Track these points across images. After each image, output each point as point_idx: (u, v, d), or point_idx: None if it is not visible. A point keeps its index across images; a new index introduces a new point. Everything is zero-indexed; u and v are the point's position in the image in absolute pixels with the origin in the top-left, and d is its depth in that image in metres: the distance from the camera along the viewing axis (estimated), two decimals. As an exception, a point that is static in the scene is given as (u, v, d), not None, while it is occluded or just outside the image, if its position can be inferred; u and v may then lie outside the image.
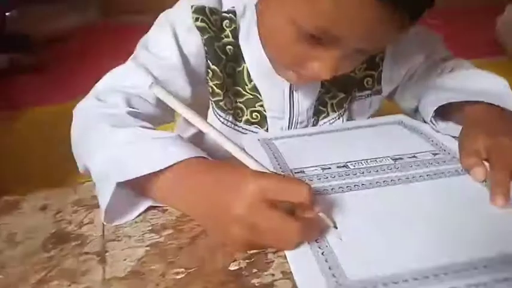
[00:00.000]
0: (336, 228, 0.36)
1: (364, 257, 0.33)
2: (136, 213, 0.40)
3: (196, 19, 0.51)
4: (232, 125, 0.58)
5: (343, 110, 0.61)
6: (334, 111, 0.60)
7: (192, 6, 0.51)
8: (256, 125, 0.59)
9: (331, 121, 0.60)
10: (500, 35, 2.09)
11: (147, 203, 0.40)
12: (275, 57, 0.51)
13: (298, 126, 0.59)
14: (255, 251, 0.35)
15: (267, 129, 0.59)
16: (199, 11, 0.51)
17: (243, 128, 0.59)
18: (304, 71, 0.47)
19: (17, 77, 1.94)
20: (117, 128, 0.41)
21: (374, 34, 0.41)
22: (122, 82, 0.49)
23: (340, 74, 0.57)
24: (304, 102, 0.57)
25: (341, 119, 0.61)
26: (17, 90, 1.86)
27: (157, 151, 0.38)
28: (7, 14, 2.74)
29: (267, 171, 0.36)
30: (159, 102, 0.49)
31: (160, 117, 0.50)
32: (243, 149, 0.38)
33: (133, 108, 0.47)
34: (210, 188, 0.36)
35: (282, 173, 0.44)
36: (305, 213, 0.35)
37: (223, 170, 0.37)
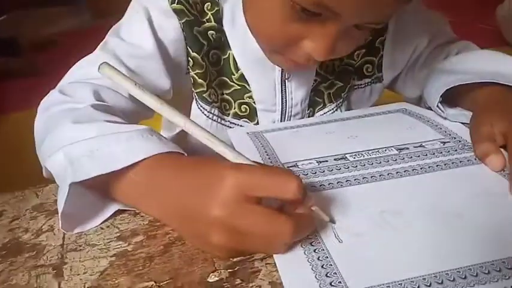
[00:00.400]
0: (334, 223, 0.31)
1: (367, 262, 0.29)
2: (102, 219, 0.35)
3: (173, 1, 0.46)
4: (219, 119, 0.53)
5: (341, 100, 0.55)
6: (331, 101, 0.55)
7: None
8: (245, 119, 0.53)
9: (328, 113, 0.55)
10: (501, 24, 2.05)
11: (114, 208, 0.35)
12: (263, 40, 0.45)
13: (292, 119, 0.54)
14: (239, 258, 0.30)
15: (257, 123, 0.53)
16: None
17: (230, 123, 0.53)
18: (296, 53, 0.42)
19: (5, 81, 1.90)
20: (79, 124, 0.36)
21: (373, 5, 0.36)
22: (89, 74, 0.43)
23: (337, 59, 0.52)
24: (297, 93, 0.52)
25: (339, 110, 0.56)
26: (5, 94, 1.82)
27: (120, 147, 0.33)
28: (-3, 19, 2.72)
29: (249, 163, 0.31)
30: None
31: (136, 111, 0.44)
32: (215, 136, 0.32)
33: (103, 101, 0.41)
34: (183, 188, 0.31)
35: (270, 164, 0.39)
36: (296, 209, 0.30)
37: (198, 165, 0.31)
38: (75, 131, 0.35)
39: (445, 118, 0.47)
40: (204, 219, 0.28)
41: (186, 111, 0.53)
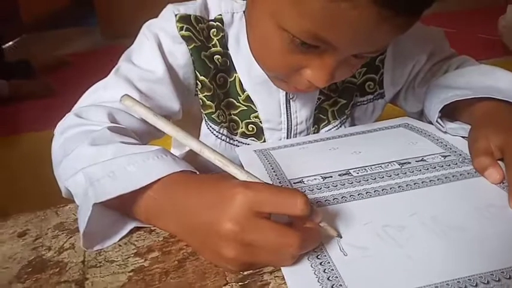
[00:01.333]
0: (341, 237, 0.33)
1: (371, 274, 0.30)
2: (119, 236, 0.36)
3: (181, 28, 0.48)
4: (227, 139, 0.55)
5: (345, 117, 0.57)
6: (335, 118, 0.57)
7: (176, 15, 0.49)
8: (252, 138, 0.55)
9: (332, 129, 0.57)
10: (503, 34, 2.06)
11: (131, 225, 0.37)
12: (267, 69, 0.47)
13: (297, 136, 0.56)
14: (249, 271, 0.31)
15: (264, 141, 0.55)
16: (184, 19, 0.49)
17: (238, 142, 0.55)
18: (298, 80, 0.44)
19: (19, 103, 1.95)
20: (96, 146, 0.38)
21: (370, 38, 0.37)
22: (103, 97, 0.46)
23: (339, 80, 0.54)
24: (302, 112, 0.54)
25: (343, 126, 0.57)
26: (21, 115, 1.87)
27: (137, 168, 0.35)
28: (10, 43, 2.80)
29: (257, 181, 0.33)
30: None
31: (149, 131, 0.47)
32: (227, 158, 0.34)
33: (117, 123, 0.43)
34: (196, 204, 0.33)
35: (279, 184, 0.41)
36: (304, 223, 0.32)
37: (209, 183, 0.34)
38: (93, 153, 0.37)
39: (445, 132, 0.48)
40: (216, 234, 0.30)
41: (196, 130, 0.55)
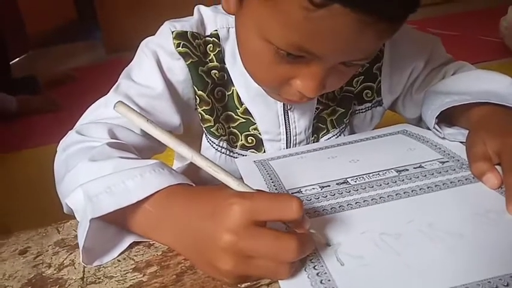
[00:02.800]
0: (329, 245, 0.33)
1: (368, 284, 0.30)
2: (119, 251, 0.37)
3: (178, 45, 0.49)
4: (227, 152, 0.55)
5: (343, 125, 0.57)
6: (334, 127, 0.57)
7: (173, 32, 0.49)
8: (252, 150, 0.56)
9: (332, 138, 0.57)
10: (505, 36, 2.05)
11: (129, 240, 0.37)
12: (258, 82, 0.48)
13: (297, 146, 0.56)
14: (246, 284, 0.31)
15: (264, 151, 0.55)
16: (181, 36, 0.49)
17: (238, 154, 0.56)
18: (289, 92, 0.44)
19: (25, 119, 1.97)
20: (96, 161, 0.38)
21: (354, 45, 0.37)
22: (104, 114, 0.47)
23: (337, 89, 0.54)
24: (301, 122, 0.54)
25: (342, 135, 0.57)
26: (26, 130, 1.89)
27: (134, 182, 0.35)
28: (17, 59, 2.84)
29: (251, 191, 0.33)
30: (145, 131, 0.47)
31: (149, 146, 0.47)
32: (218, 165, 0.34)
33: (117, 139, 0.44)
34: (192, 216, 0.33)
35: (275, 191, 0.41)
36: (298, 229, 0.32)
37: (205, 194, 0.34)
38: (92, 169, 0.38)
39: (443, 138, 0.48)
40: (212, 245, 0.30)
41: (197, 145, 0.55)
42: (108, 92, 0.49)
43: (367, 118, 0.59)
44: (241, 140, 0.55)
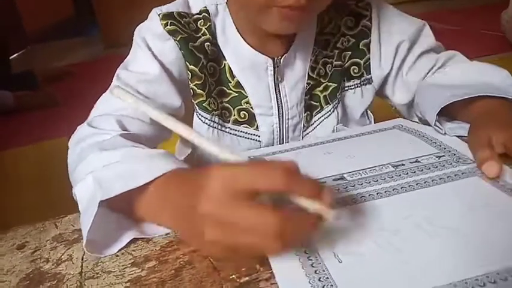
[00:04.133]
0: (339, 219, 0.31)
1: (366, 281, 0.30)
2: (118, 247, 0.37)
3: (166, 24, 0.51)
4: (220, 126, 0.56)
5: (336, 101, 0.57)
6: (328, 103, 0.57)
7: (159, 14, 0.52)
8: (245, 125, 0.56)
9: (325, 115, 0.57)
10: (506, 30, 2.05)
11: (129, 236, 0.37)
12: (253, 3, 0.46)
13: (289, 122, 0.56)
14: (244, 279, 0.31)
15: (257, 127, 0.56)
16: (167, 16, 0.51)
17: (231, 129, 0.56)
18: None
19: (23, 115, 1.97)
20: (106, 150, 0.40)
21: None
22: (110, 106, 0.48)
23: (328, 62, 0.55)
24: (292, 95, 0.55)
25: (335, 111, 0.57)
26: (25, 126, 1.89)
27: (143, 165, 0.37)
28: (15, 55, 2.83)
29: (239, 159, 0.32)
30: (153, 119, 0.47)
31: (157, 134, 0.50)
32: (214, 141, 0.36)
33: (126, 130, 0.46)
34: (183, 193, 0.34)
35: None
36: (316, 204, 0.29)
37: (196, 173, 0.34)
38: (103, 157, 0.39)
39: (445, 134, 0.48)
40: (196, 217, 0.29)
41: (188, 122, 0.56)
42: (108, 86, 0.50)
43: (357, 95, 0.59)
44: (234, 115, 0.56)
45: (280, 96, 0.55)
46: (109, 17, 2.87)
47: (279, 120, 0.56)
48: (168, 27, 0.51)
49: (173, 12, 0.52)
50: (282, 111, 0.56)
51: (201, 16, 0.53)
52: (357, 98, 0.59)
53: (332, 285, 0.29)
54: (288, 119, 0.56)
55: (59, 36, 3.32)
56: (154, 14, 0.52)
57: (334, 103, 0.57)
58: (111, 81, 0.51)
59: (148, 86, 0.50)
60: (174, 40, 0.51)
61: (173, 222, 0.36)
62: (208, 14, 0.53)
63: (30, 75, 2.20)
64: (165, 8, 0.52)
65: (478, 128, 0.44)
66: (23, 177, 1.48)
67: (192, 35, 0.52)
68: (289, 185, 0.28)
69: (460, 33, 2.17)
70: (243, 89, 0.54)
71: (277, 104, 0.55)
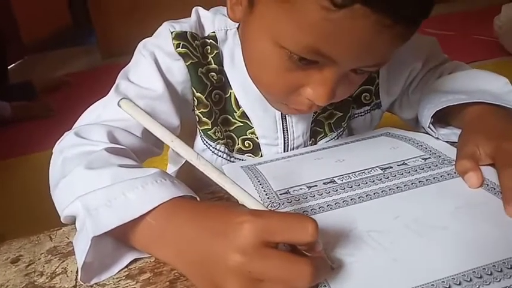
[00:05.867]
0: (333, 269, 0.31)
1: (358, 281, 0.30)
2: (118, 268, 0.35)
3: (178, 45, 0.48)
4: (225, 155, 0.54)
5: (341, 129, 0.57)
6: (332, 131, 0.56)
7: (172, 33, 0.49)
8: (249, 154, 0.55)
9: (329, 141, 0.56)
10: (499, 35, 2.06)
11: (130, 257, 0.36)
12: (265, 90, 0.46)
13: (294, 150, 0.55)
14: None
15: (261, 156, 0.55)
16: (180, 36, 0.49)
17: (235, 158, 0.55)
18: (298, 101, 0.43)
19: (20, 125, 1.97)
20: (93, 169, 0.37)
21: (370, 49, 0.36)
22: (103, 116, 0.46)
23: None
24: (298, 126, 0.54)
25: (340, 138, 0.57)
26: (21, 137, 1.89)
27: (136, 194, 0.34)
28: (12, 65, 2.84)
29: (264, 209, 0.31)
30: (146, 134, 0.46)
31: (148, 149, 0.47)
32: (235, 182, 0.32)
33: (116, 142, 0.43)
34: (198, 233, 0.31)
35: (265, 196, 0.41)
36: (309, 252, 0.30)
37: (215, 210, 0.32)
38: (89, 177, 0.37)
39: (437, 138, 0.49)
40: (220, 265, 0.28)
41: (189, 145, 0.55)
42: (104, 96, 0.49)
43: (367, 121, 0.58)
44: (238, 144, 0.54)
45: (286, 127, 0.53)
46: (107, 27, 2.88)
47: (284, 150, 0.54)
48: (180, 49, 0.48)
49: (186, 33, 0.49)
50: (288, 141, 0.54)
51: (208, 42, 0.51)
52: (366, 123, 0.59)
53: (325, 286, 0.30)
54: (293, 147, 0.55)
55: (56, 46, 3.33)
56: (166, 31, 0.49)
57: (339, 131, 0.57)
58: (109, 91, 0.49)
59: (150, 103, 0.47)
60: (185, 63, 0.48)
61: (181, 260, 0.33)
62: (216, 40, 0.51)
63: (28, 86, 2.21)
64: (179, 27, 0.49)
65: (467, 135, 0.44)
66: (19, 187, 1.48)
67: (200, 59, 0.50)
68: (315, 238, 0.28)
69: (453, 38, 2.17)
70: (249, 120, 0.53)
71: (283, 135, 0.53)
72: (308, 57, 0.38)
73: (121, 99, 0.36)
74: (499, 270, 0.29)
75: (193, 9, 0.53)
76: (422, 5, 0.35)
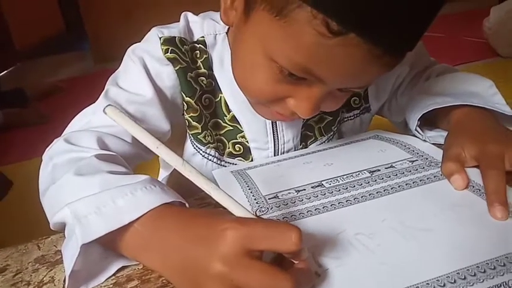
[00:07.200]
0: (319, 275, 0.31)
1: (346, 284, 0.30)
2: (106, 276, 0.35)
3: (166, 50, 0.48)
4: (215, 159, 0.54)
5: (331, 133, 0.57)
6: (322, 135, 0.57)
7: (160, 38, 0.49)
8: (239, 158, 0.55)
9: (320, 145, 0.57)
10: (489, 37, 2.09)
11: (117, 265, 0.36)
12: (250, 95, 0.47)
13: (284, 154, 0.55)
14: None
15: (252, 160, 0.55)
16: (169, 42, 0.49)
17: (226, 162, 0.55)
18: (282, 107, 0.43)
19: (11, 132, 1.96)
20: (83, 176, 0.37)
21: (358, 74, 0.38)
22: (93, 122, 0.46)
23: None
24: (288, 131, 0.54)
25: (330, 141, 0.57)
26: (13, 144, 1.88)
27: (125, 201, 0.33)
28: (5, 71, 2.83)
29: (250, 216, 0.31)
30: (136, 140, 0.43)
31: (138, 155, 0.47)
32: (221, 188, 0.32)
33: (106, 148, 0.43)
34: (183, 240, 0.31)
35: (254, 200, 0.41)
36: (295, 261, 0.30)
37: (200, 217, 0.32)
38: (79, 184, 0.37)
39: (425, 141, 0.49)
40: (203, 273, 0.28)
41: (179, 149, 0.55)
42: (95, 102, 0.49)
43: (357, 124, 0.59)
44: (229, 148, 0.54)
45: (276, 131, 0.54)
46: (99, 32, 2.87)
47: (274, 154, 0.55)
48: (168, 54, 0.48)
49: (175, 38, 0.49)
50: (278, 145, 0.54)
51: (197, 46, 0.51)
52: (356, 127, 0.59)
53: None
54: (284, 151, 0.55)
55: (49, 52, 3.31)
56: (155, 36, 0.49)
57: (329, 135, 0.57)
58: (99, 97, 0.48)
59: (139, 108, 0.47)
60: (173, 68, 0.49)
61: (166, 267, 0.33)
62: (205, 45, 0.51)
63: (20, 93, 2.19)
64: (167, 32, 0.49)
65: (453, 137, 0.45)
66: (10, 195, 1.47)
67: (189, 64, 0.50)
68: (299, 247, 0.28)
69: (443, 40, 2.19)
70: (239, 124, 0.53)
71: (274, 139, 0.54)
72: (298, 74, 0.38)
73: (106, 106, 0.36)
74: (483, 271, 0.30)
75: (182, 14, 0.53)
76: (412, 38, 0.36)
